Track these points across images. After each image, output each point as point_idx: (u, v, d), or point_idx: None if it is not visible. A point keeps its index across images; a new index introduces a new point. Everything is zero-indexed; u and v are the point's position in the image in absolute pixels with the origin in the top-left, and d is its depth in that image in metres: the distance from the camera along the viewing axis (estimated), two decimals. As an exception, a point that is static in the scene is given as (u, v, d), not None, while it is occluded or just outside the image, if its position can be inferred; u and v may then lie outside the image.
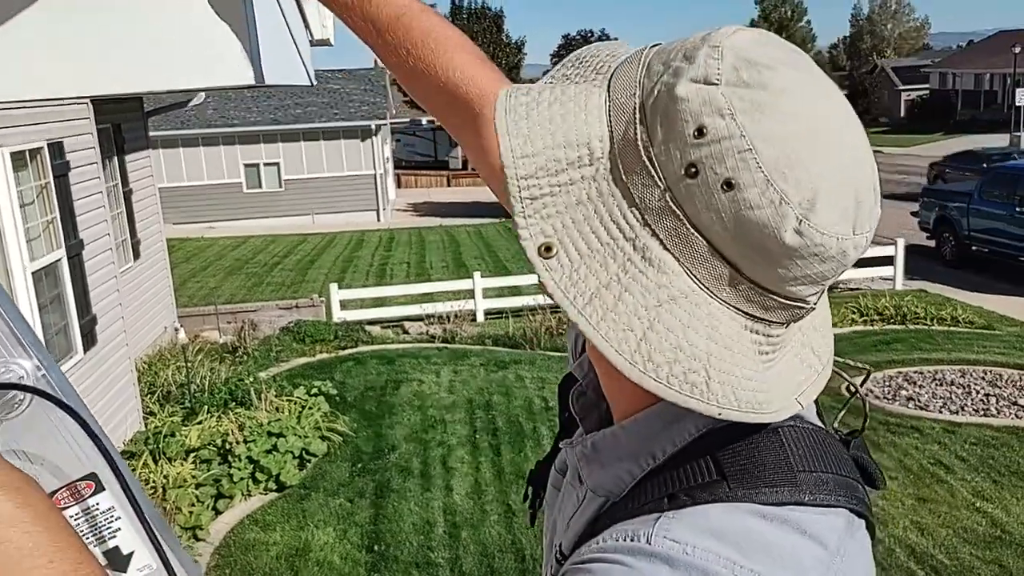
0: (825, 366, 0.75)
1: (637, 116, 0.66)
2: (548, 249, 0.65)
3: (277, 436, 7.38)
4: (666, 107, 0.64)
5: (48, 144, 6.80)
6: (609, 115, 0.67)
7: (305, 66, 2.20)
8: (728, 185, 0.62)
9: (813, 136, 0.63)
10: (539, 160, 0.66)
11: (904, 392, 9.32)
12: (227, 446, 7.16)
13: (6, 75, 1.36)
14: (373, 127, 27.09)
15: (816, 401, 0.81)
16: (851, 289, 15.12)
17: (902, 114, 61.20)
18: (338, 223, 26.24)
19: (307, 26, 2.18)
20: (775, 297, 0.66)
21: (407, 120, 46.21)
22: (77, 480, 0.99)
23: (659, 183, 0.64)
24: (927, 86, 59.20)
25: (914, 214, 19.50)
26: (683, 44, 0.67)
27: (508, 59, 42.93)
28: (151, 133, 12.68)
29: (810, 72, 0.67)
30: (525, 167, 0.66)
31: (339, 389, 9.35)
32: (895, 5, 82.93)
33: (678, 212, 0.64)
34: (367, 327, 12.99)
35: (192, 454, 7.09)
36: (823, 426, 0.78)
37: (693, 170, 0.62)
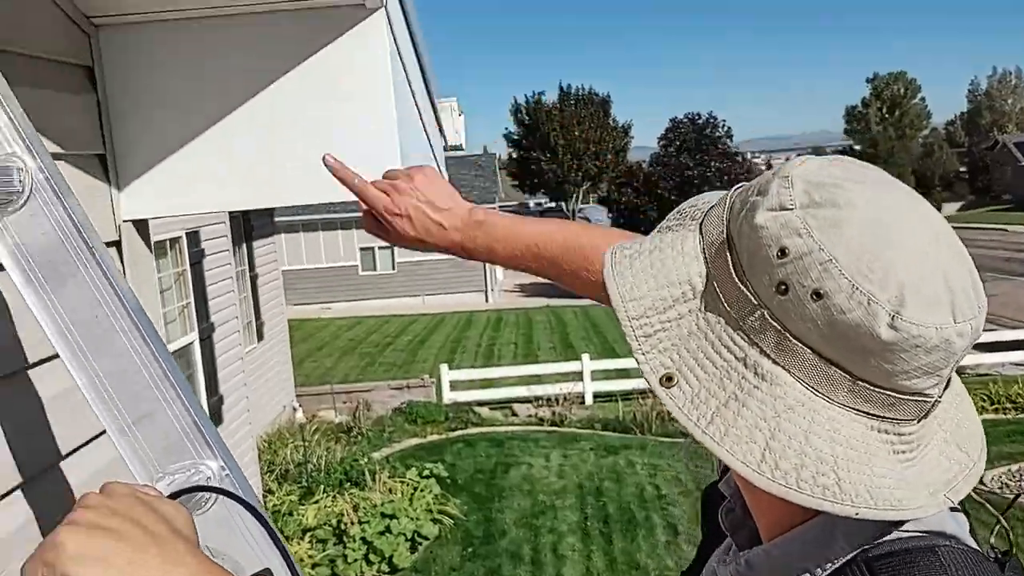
0: (976, 461, 0.75)
1: (727, 248, 0.72)
2: (669, 379, 0.72)
3: (390, 518, 7.46)
4: (749, 236, 0.70)
5: (186, 233, 7.27)
6: (704, 253, 0.75)
7: (440, 171, 2.32)
8: (817, 295, 0.66)
9: (887, 236, 0.67)
10: (646, 301, 0.74)
11: (1045, 487, 8.71)
12: (342, 526, 7.27)
13: (195, 192, 1.50)
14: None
15: (968, 518, 0.80)
16: (979, 375, 14.33)
17: (1028, 190, 58.51)
18: (448, 304, 26.76)
19: (442, 133, 2.32)
20: (891, 393, 0.68)
21: (516, 203, 47.09)
22: (254, 574, 1.06)
23: (755, 304, 0.70)
24: (1055, 161, 56.54)
25: (1046, 295, 18.43)
26: (757, 181, 0.74)
27: (615, 143, 43.45)
28: (276, 219, 13.36)
29: (876, 181, 0.71)
30: (635, 309, 0.74)
31: (450, 471, 9.40)
32: (1015, 80, 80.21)
33: (778, 327, 0.69)
34: (476, 408, 13.09)
35: (308, 533, 7.23)
36: (977, 547, 0.77)
37: (783, 287, 0.68)
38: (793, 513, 0.73)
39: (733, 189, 0.78)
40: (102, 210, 1.50)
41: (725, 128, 30.66)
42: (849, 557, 0.72)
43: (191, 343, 7.33)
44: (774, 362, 0.69)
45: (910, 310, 0.65)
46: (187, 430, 1.07)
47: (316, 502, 7.71)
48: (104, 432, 1.35)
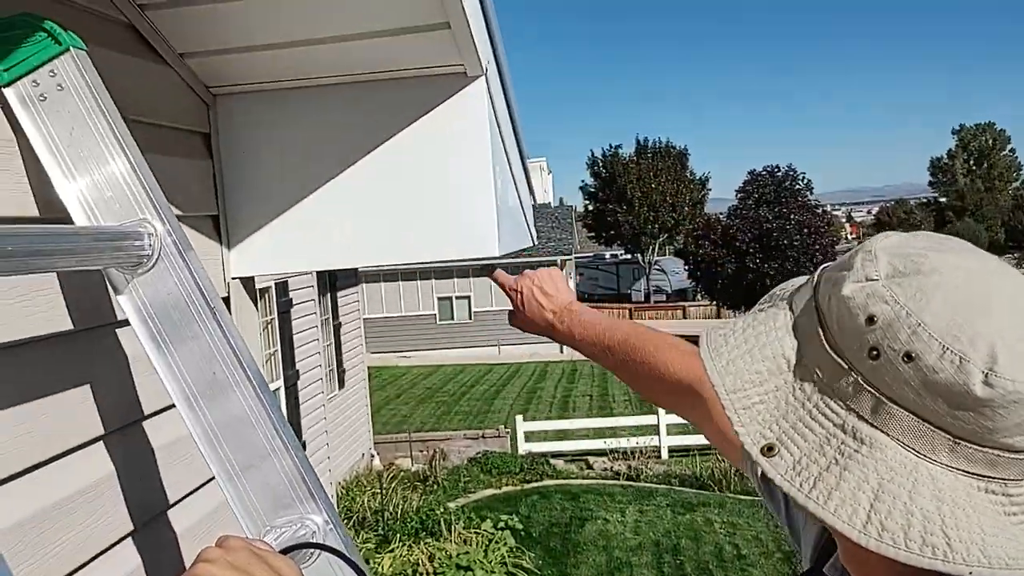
0: None
1: (818, 322, 0.75)
2: (770, 449, 0.74)
3: (465, 569, 7.43)
4: (838, 308, 0.74)
5: (275, 284, 7.50)
6: (795, 328, 0.78)
7: (530, 230, 2.36)
8: (909, 357, 0.69)
9: (973, 297, 0.70)
10: (744, 376, 0.77)
11: None
12: (417, 576, 7.27)
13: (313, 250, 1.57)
14: (559, 261, 27.84)
15: None
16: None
17: None
18: (523, 354, 26.77)
19: (532, 192, 2.37)
20: (993, 452, 0.69)
21: (591, 255, 47.12)
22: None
23: (849, 371, 0.72)
24: None
25: None
26: (842, 259, 0.78)
27: (692, 195, 43.23)
28: (359, 269, 13.67)
29: (957, 249, 0.75)
30: (732, 383, 0.77)
31: (524, 523, 9.33)
32: (1115, 130, 77.19)
33: (872, 391, 0.71)
34: (551, 460, 12.99)
35: (384, 583, 7.25)
36: None
37: (875, 352, 0.70)
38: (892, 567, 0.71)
39: (820, 268, 0.81)
40: (213, 268, 1.58)
41: (805, 180, 30.19)
42: None
43: (277, 390, 7.51)
44: (872, 426, 0.71)
45: (1003, 366, 0.66)
46: (294, 482, 1.11)
47: (392, 551, 7.74)
48: (211, 479, 1.40)
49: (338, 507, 9.00)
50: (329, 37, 1.53)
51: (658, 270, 43.35)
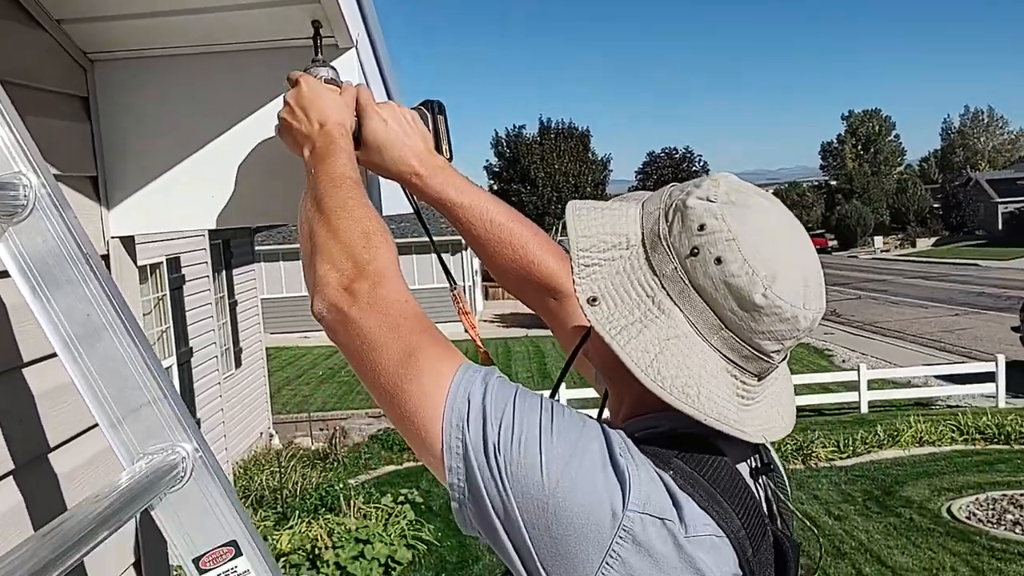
0: (787, 426, 1.02)
1: (662, 217, 0.97)
2: (593, 300, 0.95)
3: (364, 543, 7.53)
4: (681, 212, 0.95)
5: (166, 259, 7.39)
6: (642, 219, 0.99)
7: (412, 204, 2.48)
8: (718, 261, 0.91)
9: (774, 236, 0.93)
10: (592, 240, 0.98)
11: (1010, 516, 8.90)
12: (316, 551, 7.33)
13: (197, 207, 1.66)
14: (463, 241, 27.95)
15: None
16: (950, 407, 14.60)
17: (999, 227, 59.54)
18: (427, 334, 26.81)
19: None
20: (748, 346, 0.93)
21: (495, 234, 47.21)
22: (221, 546, 1.20)
23: (672, 259, 0.94)
24: (1025, 199, 57.70)
25: (1015, 329, 18.80)
26: (694, 180, 1.00)
27: (595, 175, 43.92)
28: (256, 247, 13.48)
29: (772, 200, 0.98)
30: (583, 243, 0.98)
31: (425, 497, 9.48)
32: (987, 118, 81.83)
33: (684, 279, 0.93)
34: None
35: (283, 558, 7.29)
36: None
37: (696, 251, 0.92)
38: (650, 404, 0.95)
39: (670, 185, 1.03)
40: (93, 227, 1.65)
41: (701, 163, 31.14)
42: (665, 429, 0.95)
43: (169, 367, 7.41)
44: (674, 303, 0.93)
45: (779, 287, 0.90)
46: (167, 418, 1.21)
47: (290, 528, 7.77)
48: (94, 426, 1.49)
49: (235, 486, 8.95)
50: (206, 7, 1.61)
51: (564, 250, 43.84)
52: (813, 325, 0.94)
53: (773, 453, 1.06)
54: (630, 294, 0.94)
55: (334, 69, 1.51)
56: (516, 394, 0.93)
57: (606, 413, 1.13)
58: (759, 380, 0.95)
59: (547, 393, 1.08)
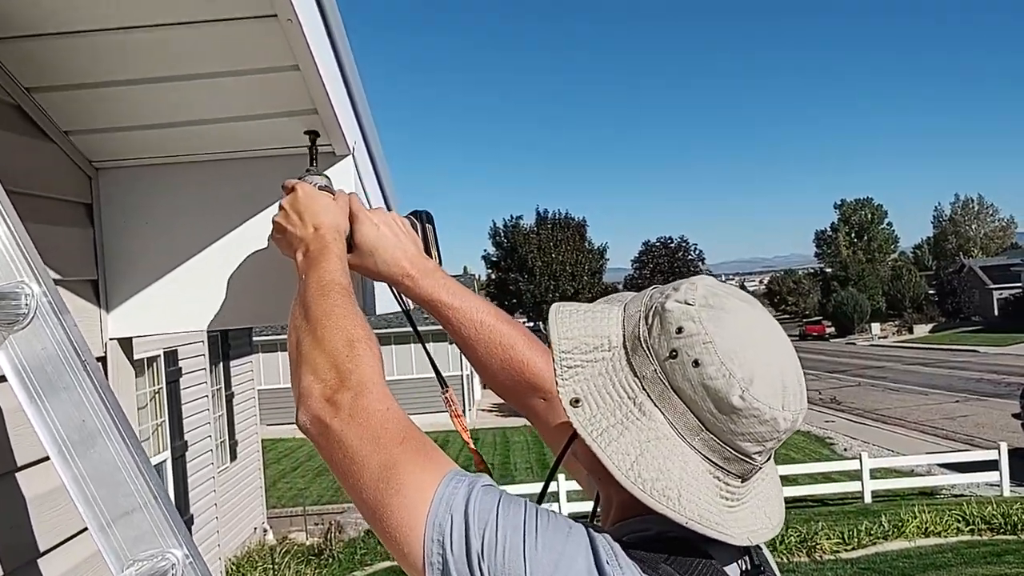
0: (775, 527, 1.01)
1: (642, 320, 0.98)
2: (576, 401, 0.97)
3: (358, 643, 7.31)
4: (660, 315, 0.96)
5: (164, 352, 7.39)
6: (623, 322, 1.01)
7: (403, 306, 2.52)
8: (696, 363, 0.92)
9: (751, 338, 0.95)
10: (575, 342, 0.99)
11: (1020, 610, 8.67)
12: (309, 652, 7.11)
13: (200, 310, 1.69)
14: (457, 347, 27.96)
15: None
16: (954, 495, 14.38)
17: (996, 313, 59.75)
18: (425, 423, 26.26)
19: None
20: (729, 448, 0.94)
21: (493, 323, 47.27)
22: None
23: (652, 361, 0.95)
24: (1019, 285, 58.06)
25: (1016, 416, 18.68)
26: (673, 284, 1.02)
27: (591, 264, 44.30)
28: (254, 338, 13.48)
29: (750, 303, 1.00)
30: (565, 345, 0.99)
31: (421, 595, 9.22)
32: (977, 206, 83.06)
33: (664, 381, 0.94)
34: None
35: (274, 660, 7.06)
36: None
37: (674, 353, 0.94)
38: (636, 507, 0.95)
39: (652, 287, 1.06)
40: (92, 329, 1.68)
41: (697, 251, 31.48)
42: (653, 533, 0.95)
43: (163, 461, 7.33)
44: (655, 405, 0.94)
45: (756, 389, 0.92)
46: (158, 523, 1.21)
47: (283, 627, 7.55)
48: (84, 530, 1.48)
49: (228, 583, 8.73)
50: (207, 119, 1.68)
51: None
52: (793, 426, 0.95)
53: (767, 553, 1.08)
54: (612, 395, 0.95)
55: (327, 178, 1.57)
56: (500, 502, 0.92)
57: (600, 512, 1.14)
58: (743, 481, 0.96)
59: (536, 496, 1.09)
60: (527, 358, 1.41)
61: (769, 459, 1.00)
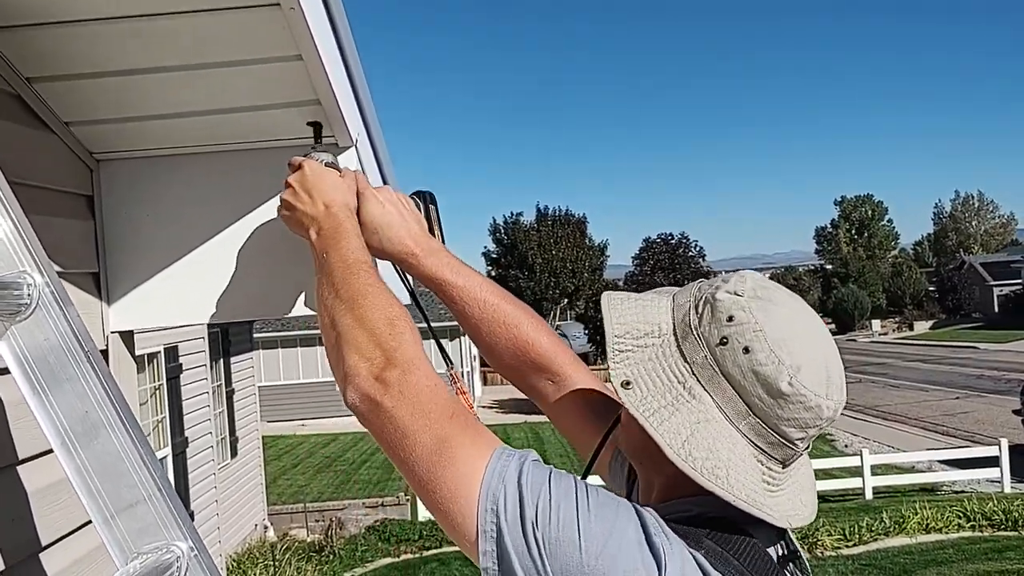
0: (811, 513, 1.03)
1: (692, 309, 1.02)
2: (627, 384, 1.00)
3: (359, 639, 7.31)
4: (711, 304, 1.01)
5: (164, 348, 7.38)
6: (673, 311, 1.05)
7: (407, 285, 2.51)
8: (746, 350, 0.96)
9: (798, 329, 0.99)
10: (627, 327, 1.03)
11: (1021, 606, 8.66)
12: (310, 648, 7.12)
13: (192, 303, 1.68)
14: (461, 328, 28.02)
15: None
16: (955, 492, 14.38)
17: (996, 310, 59.73)
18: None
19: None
20: (774, 433, 0.97)
21: (494, 320, 47.24)
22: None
23: (703, 348, 0.99)
24: (1019, 281, 58.05)
25: (1016, 412, 18.68)
26: (722, 276, 1.06)
27: (592, 261, 44.30)
28: (254, 335, 13.48)
29: (795, 297, 1.05)
30: (618, 330, 1.03)
31: (422, 591, 9.24)
32: (977, 203, 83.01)
33: (714, 366, 0.98)
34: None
35: (275, 656, 7.06)
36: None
37: (725, 340, 0.97)
38: (679, 488, 0.99)
39: (699, 280, 1.09)
40: (93, 322, 1.67)
41: (697, 248, 31.47)
42: (694, 513, 0.98)
43: (164, 458, 7.33)
44: (704, 389, 0.97)
45: (803, 376, 0.95)
46: (163, 516, 1.20)
47: (284, 623, 7.55)
48: (86, 524, 1.47)
49: (229, 580, 8.73)
50: (209, 110, 1.67)
51: (560, 335, 43.90)
52: (835, 415, 0.98)
53: (796, 541, 1.08)
54: (662, 379, 0.99)
55: (333, 155, 1.55)
56: (551, 475, 0.94)
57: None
58: (784, 467, 0.99)
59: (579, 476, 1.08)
60: (532, 338, 1.40)
61: (807, 448, 1.02)
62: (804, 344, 0.97)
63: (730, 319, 0.97)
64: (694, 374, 0.98)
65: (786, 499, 0.99)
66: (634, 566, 0.87)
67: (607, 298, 1.07)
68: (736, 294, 0.99)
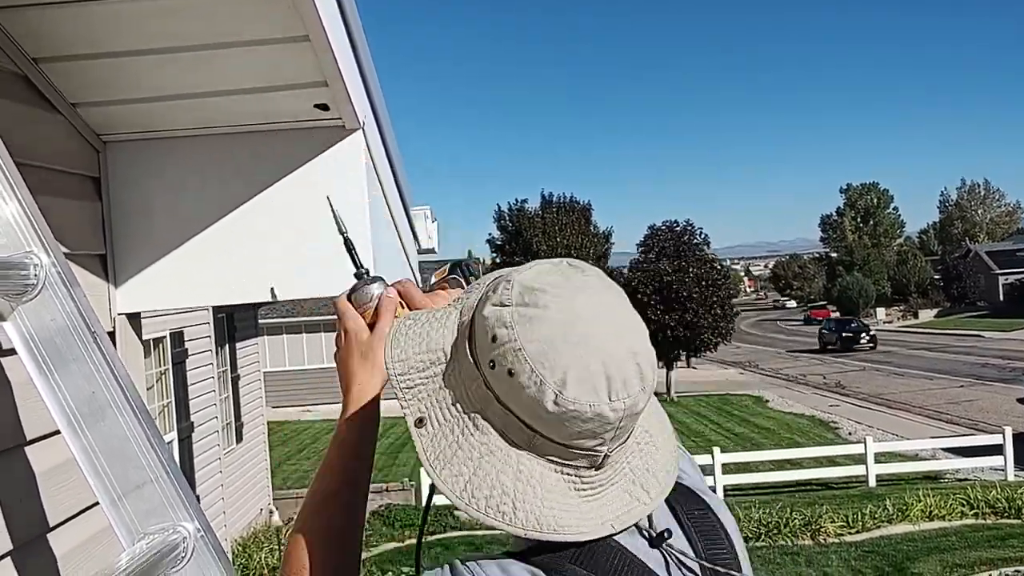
0: (653, 501, 0.96)
1: (467, 332, 0.93)
2: (420, 421, 0.93)
3: (364, 622, 7.35)
4: (479, 323, 0.91)
5: (170, 333, 7.40)
6: (458, 328, 0.95)
7: (413, 272, 2.51)
8: (510, 373, 0.87)
9: (565, 335, 0.87)
10: (408, 363, 0.95)
11: (1024, 594, 8.67)
12: (315, 631, 7.15)
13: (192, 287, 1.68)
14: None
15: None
16: (959, 480, 14.39)
17: (1001, 298, 59.59)
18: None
19: (416, 238, 2.52)
20: (566, 448, 0.89)
21: (498, 307, 47.19)
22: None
23: (478, 374, 0.90)
24: (1024, 270, 57.92)
25: (1021, 400, 18.66)
26: (498, 279, 0.95)
27: (596, 248, 44.23)
28: (259, 321, 13.49)
29: (580, 287, 0.91)
30: (398, 368, 0.95)
31: (426, 576, 9.27)
32: (983, 191, 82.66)
33: (491, 392, 0.89)
34: (456, 511, 12.95)
35: (280, 639, 7.11)
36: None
37: (492, 364, 0.88)
38: None
39: (491, 277, 0.99)
40: (100, 304, 1.66)
41: (703, 235, 31.30)
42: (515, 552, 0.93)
43: (170, 442, 7.35)
44: (484, 418, 0.90)
45: (570, 391, 0.86)
46: (169, 497, 1.21)
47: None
48: (93, 505, 1.48)
49: (234, 564, 8.78)
50: (215, 91, 1.66)
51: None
52: (630, 414, 0.90)
53: (728, 515, 1.07)
54: (450, 411, 0.92)
55: (381, 278, 1.26)
56: None
57: None
58: (597, 468, 0.92)
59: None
60: None
61: (623, 442, 0.94)
62: (573, 352, 0.86)
63: (494, 339, 0.88)
64: (475, 403, 0.90)
65: (615, 496, 0.93)
66: None
67: (392, 330, 0.99)
68: (502, 304, 0.89)
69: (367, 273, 1.27)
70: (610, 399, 0.87)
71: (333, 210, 1.29)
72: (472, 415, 0.91)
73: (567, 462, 0.90)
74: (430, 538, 11.28)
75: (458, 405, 0.92)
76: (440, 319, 0.98)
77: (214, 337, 8.70)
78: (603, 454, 0.91)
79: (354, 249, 1.29)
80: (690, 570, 0.98)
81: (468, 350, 0.92)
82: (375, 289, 1.22)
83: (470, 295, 1.00)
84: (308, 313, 27.40)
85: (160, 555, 1.14)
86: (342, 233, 1.29)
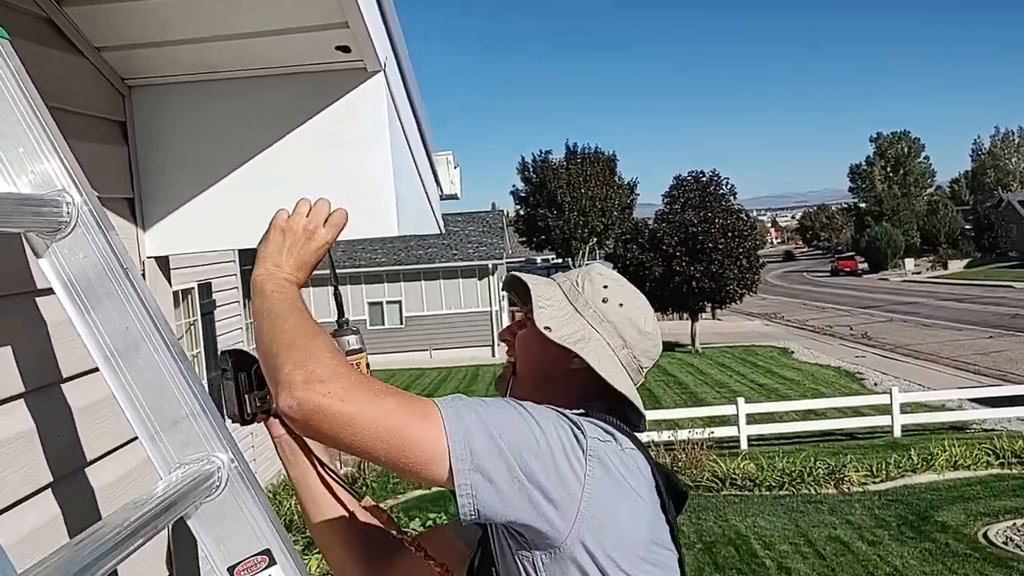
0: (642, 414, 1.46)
1: (575, 283, 1.46)
2: (548, 328, 1.39)
3: (392, 566, 7.51)
4: (590, 278, 1.47)
5: (198, 285, 7.49)
6: (560, 286, 1.48)
7: (436, 217, 2.52)
8: (621, 305, 1.44)
9: (640, 300, 1.49)
10: (542, 297, 1.45)
11: (1048, 541, 8.70)
12: None
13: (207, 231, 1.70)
14: (490, 266, 28.05)
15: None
16: (985, 430, 14.34)
17: (1034, 248, 58.63)
18: (454, 358, 26.89)
19: (438, 183, 2.53)
20: (635, 360, 1.44)
21: (522, 259, 47.38)
22: (255, 554, 1.23)
23: (591, 304, 1.43)
24: (1060, 219, 56.81)
25: (1051, 351, 18.44)
26: (588, 269, 1.50)
27: (621, 199, 43.96)
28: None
29: (624, 280, 1.51)
30: (538, 294, 1.45)
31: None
32: (1018, 139, 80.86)
33: (601, 314, 1.43)
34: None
35: (312, 582, 7.29)
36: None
37: (606, 300, 1.44)
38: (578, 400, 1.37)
39: (576, 272, 1.49)
40: (128, 248, 1.69)
41: (729, 186, 30.91)
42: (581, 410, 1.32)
43: (200, 391, 7.50)
44: (594, 329, 1.42)
45: (649, 325, 1.46)
46: (204, 429, 1.24)
47: (319, 553, 7.78)
48: (129, 441, 1.52)
49: (265, 510, 8.98)
50: (238, 34, 1.66)
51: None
52: (655, 354, 1.47)
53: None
54: (569, 325, 1.41)
55: (358, 333, 1.55)
56: (486, 402, 1.22)
57: None
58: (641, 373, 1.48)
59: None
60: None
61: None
62: (642, 306, 1.47)
63: (605, 287, 1.44)
64: (587, 321, 1.41)
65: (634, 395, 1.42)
66: (566, 433, 1.21)
67: (531, 282, 1.45)
68: (600, 274, 1.47)
69: (347, 323, 1.55)
70: (659, 338, 1.48)
71: (331, 261, 1.56)
72: (581, 326, 1.41)
73: (630, 375, 1.43)
74: (401, 498, 11.34)
75: (572, 321, 1.41)
76: (546, 282, 1.49)
77: (241, 288, 8.80)
78: (642, 379, 1.46)
79: (341, 301, 1.58)
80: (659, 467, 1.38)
81: (583, 290, 1.44)
82: (353, 341, 1.54)
83: (557, 276, 1.53)
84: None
85: (195, 483, 1.18)
86: (335, 285, 1.59)
